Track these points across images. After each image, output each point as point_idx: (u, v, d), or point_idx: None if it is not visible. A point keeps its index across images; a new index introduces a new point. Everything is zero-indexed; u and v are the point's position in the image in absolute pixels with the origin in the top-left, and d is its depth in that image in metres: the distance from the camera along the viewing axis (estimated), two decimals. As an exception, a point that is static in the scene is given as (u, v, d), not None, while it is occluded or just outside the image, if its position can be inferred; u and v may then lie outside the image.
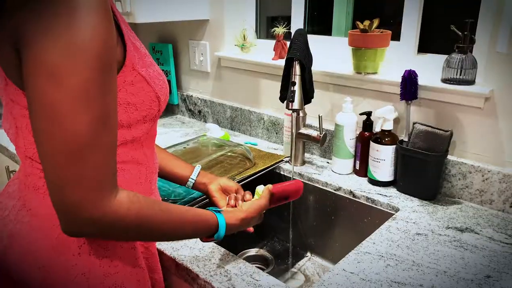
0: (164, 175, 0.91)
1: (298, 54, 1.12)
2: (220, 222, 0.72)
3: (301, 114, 1.23)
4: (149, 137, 0.71)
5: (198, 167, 0.93)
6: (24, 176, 0.66)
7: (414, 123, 1.07)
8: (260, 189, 0.85)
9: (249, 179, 1.18)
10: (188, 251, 0.86)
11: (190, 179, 0.91)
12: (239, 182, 1.14)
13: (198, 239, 0.81)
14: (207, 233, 0.73)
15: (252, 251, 1.29)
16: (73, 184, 0.52)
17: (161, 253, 0.86)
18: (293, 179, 1.18)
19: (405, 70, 1.06)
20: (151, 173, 0.74)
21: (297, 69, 1.13)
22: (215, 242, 0.87)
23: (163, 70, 1.77)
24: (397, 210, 1.03)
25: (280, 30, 1.38)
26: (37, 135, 0.52)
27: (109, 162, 0.55)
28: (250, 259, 1.27)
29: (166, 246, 0.87)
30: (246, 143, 1.44)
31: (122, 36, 0.61)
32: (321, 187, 1.19)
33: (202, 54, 1.64)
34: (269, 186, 0.85)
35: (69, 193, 0.52)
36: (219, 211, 0.74)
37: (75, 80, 0.50)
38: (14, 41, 0.52)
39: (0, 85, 0.61)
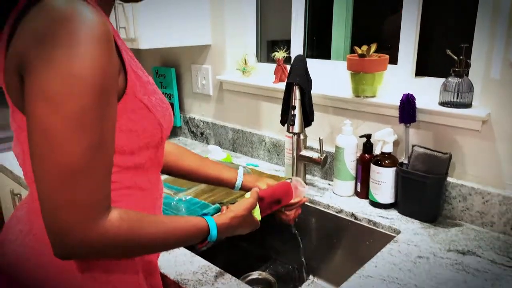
0: (210, 181, 0.99)
1: (297, 79, 1.14)
2: (210, 224, 0.74)
3: (301, 137, 1.24)
4: (154, 164, 0.72)
5: (241, 168, 1.01)
6: (32, 201, 0.67)
7: (413, 146, 1.09)
8: (247, 194, 0.88)
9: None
10: (191, 275, 0.86)
11: (238, 178, 0.99)
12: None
13: (201, 260, 0.81)
14: (199, 237, 0.73)
15: (255, 274, 1.28)
16: (66, 208, 0.53)
17: (164, 276, 0.87)
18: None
19: (403, 94, 1.08)
20: (155, 199, 0.75)
21: (297, 93, 1.16)
22: (220, 268, 0.88)
23: (166, 93, 1.80)
24: (398, 232, 1.03)
25: (280, 54, 1.41)
26: (33, 159, 0.53)
27: (102, 187, 0.56)
28: (253, 282, 1.26)
29: (170, 271, 0.88)
30: (248, 165, 1.46)
31: (124, 64, 0.62)
32: (322, 209, 1.20)
33: (204, 77, 1.67)
34: (256, 188, 0.90)
35: (61, 217, 0.53)
36: (207, 214, 0.76)
37: (71, 107, 0.51)
38: (19, 68, 0.54)
39: (10, 111, 0.63)
